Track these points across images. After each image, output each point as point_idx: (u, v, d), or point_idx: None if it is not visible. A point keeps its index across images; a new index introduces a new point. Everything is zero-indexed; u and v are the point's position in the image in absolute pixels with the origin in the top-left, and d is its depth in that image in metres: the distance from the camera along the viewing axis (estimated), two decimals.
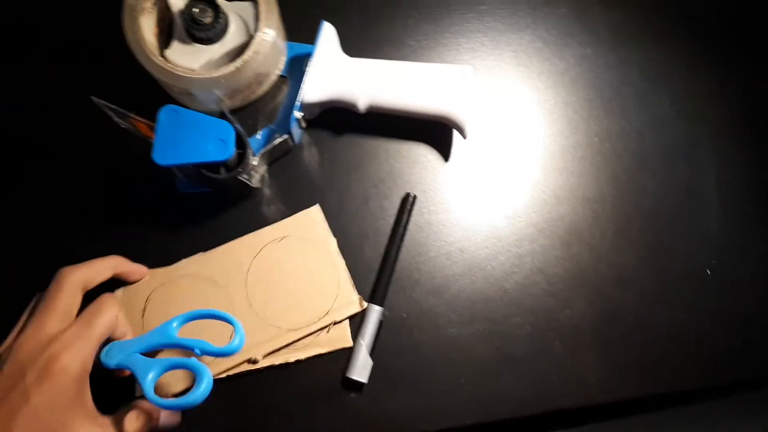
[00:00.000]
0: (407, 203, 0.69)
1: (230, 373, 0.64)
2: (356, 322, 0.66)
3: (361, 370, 0.64)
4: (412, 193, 0.69)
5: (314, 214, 0.69)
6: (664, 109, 0.75)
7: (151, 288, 0.66)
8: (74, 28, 0.74)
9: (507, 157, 0.73)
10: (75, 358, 0.51)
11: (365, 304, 0.66)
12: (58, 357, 0.51)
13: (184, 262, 0.67)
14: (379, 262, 0.68)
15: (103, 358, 0.56)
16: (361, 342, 0.65)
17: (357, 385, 0.65)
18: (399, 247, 0.68)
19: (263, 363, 0.64)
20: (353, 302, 0.66)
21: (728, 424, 0.66)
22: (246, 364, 0.64)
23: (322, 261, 0.67)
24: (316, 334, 0.65)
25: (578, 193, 0.71)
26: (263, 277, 0.66)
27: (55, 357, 0.51)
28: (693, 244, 0.71)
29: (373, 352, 0.65)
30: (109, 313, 0.56)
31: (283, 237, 0.67)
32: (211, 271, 0.66)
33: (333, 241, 0.68)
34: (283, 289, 0.66)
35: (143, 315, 0.65)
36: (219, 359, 0.63)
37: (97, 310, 0.55)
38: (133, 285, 0.65)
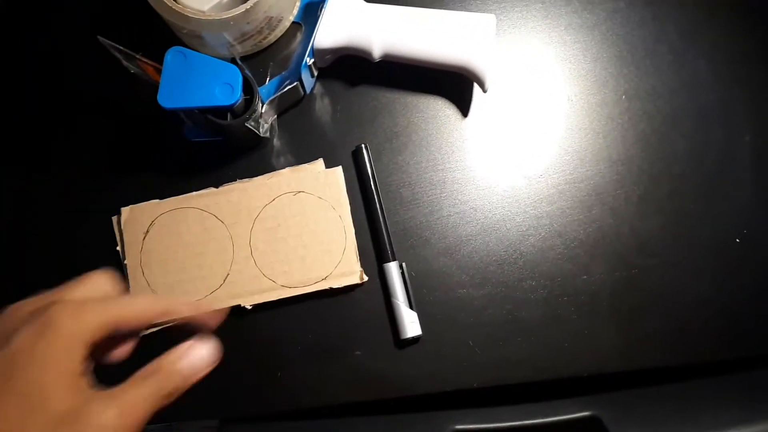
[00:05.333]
0: (361, 155, 0.70)
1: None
2: (377, 285, 0.69)
3: (410, 325, 0.66)
4: (363, 143, 0.71)
5: (336, 175, 0.70)
6: (699, 70, 0.74)
7: (158, 213, 0.69)
8: None
9: (529, 113, 0.73)
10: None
11: (366, 278, 0.68)
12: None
13: (195, 194, 0.69)
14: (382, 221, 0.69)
15: None
16: (396, 302, 0.67)
17: (413, 341, 0.68)
18: (378, 201, 0.69)
19: (259, 300, 0.67)
20: (354, 273, 0.68)
21: (750, 400, 0.66)
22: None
23: (331, 224, 0.69)
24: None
25: (603, 154, 0.72)
26: (270, 227, 0.68)
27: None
28: (723, 212, 0.71)
29: (413, 305, 0.67)
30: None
31: (299, 191, 0.69)
32: (219, 208, 0.69)
33: (347, 208, 0.69)
34: (287, 244, 0.68)
35: (144, 237, 0.68)
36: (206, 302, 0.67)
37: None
38: (140, 205, 0.69)
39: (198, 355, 0.49)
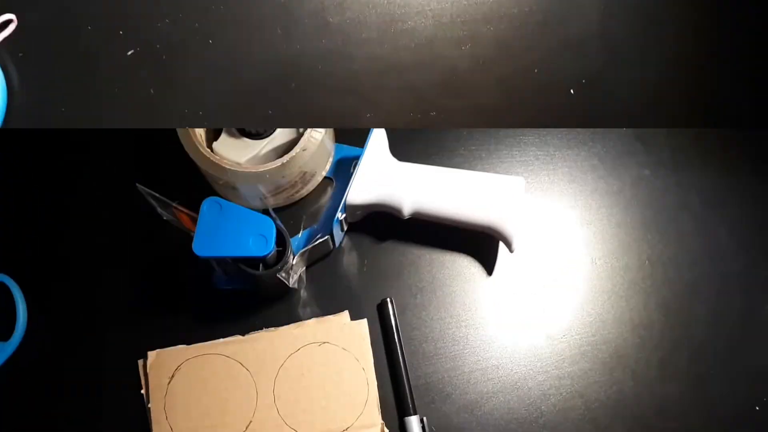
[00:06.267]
0: (386, 309, 0.72)
1: None
2: None
3: None
4: (388, 298, 0.72)
5: (361, 328, 0.71)
6: (722, 239, 0.76)
7: (184, 358, 0.70)
8: None
9: (553, 274, 0.75)
10: None
11: (387, 431, 0.68)
12: None
13: (221, 341, 0.71)
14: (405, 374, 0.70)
15: None
16: None
17: None
18: (401, 355, 0.70)
19: None
20: (375, 425, 0.68)
21: None
22: None
23: (354, 376, 0.69)
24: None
25: (625, 317, 0.73)
26: (294, 376, 0.69)
27: None
28: (743, 379, 0.71)
29: None
30: None
31: (324, 342, 0.70)
32: (245, 356, 0.70)
33: (371, 360, 0.70)
34: (310, 394, 0.69)
35: (169, 382, 0.69)
36: None
37: None
38: (167, 350, 0.70)
39: None
